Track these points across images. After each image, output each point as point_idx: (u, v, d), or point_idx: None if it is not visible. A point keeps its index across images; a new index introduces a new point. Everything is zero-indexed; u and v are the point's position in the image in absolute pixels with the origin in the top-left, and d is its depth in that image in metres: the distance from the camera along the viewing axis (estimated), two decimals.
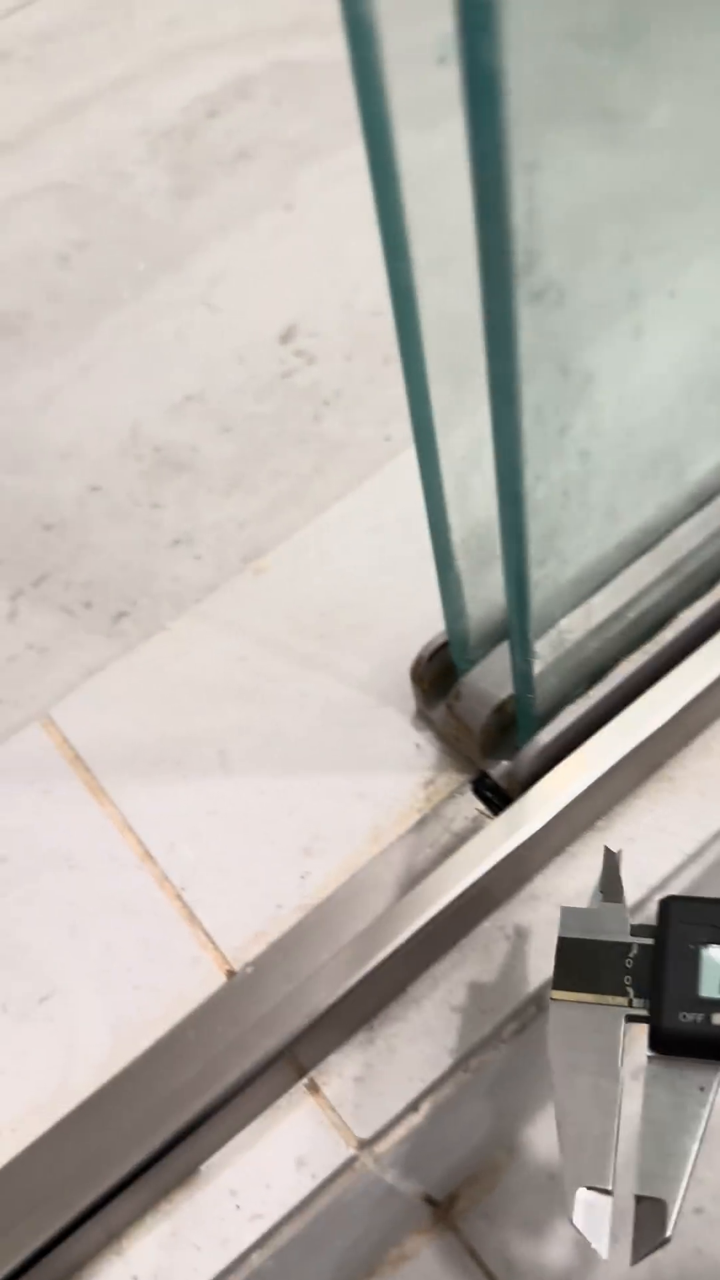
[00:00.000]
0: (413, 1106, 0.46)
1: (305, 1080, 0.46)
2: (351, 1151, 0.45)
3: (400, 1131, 0.46)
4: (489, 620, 0.47)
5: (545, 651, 0.45)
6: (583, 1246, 0.70)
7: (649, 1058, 0.36)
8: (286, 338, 0.79)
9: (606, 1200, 0.34)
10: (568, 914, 0.39)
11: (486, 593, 0.46)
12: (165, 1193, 0.45)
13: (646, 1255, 0.33)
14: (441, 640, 0.49)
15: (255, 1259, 0.45)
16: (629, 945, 0.38)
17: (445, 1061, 0.46)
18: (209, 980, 0.48)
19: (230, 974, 0.48)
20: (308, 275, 0.82)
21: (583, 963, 0.38)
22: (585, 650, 0.46)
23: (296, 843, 0.51)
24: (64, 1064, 0.48)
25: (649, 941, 0.37)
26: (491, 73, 0.22)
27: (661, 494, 0.43)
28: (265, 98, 0.93)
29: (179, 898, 0.51)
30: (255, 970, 0.48)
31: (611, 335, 0.32)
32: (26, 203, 0.89)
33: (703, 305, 0.34)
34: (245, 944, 0.49)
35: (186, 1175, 0.45)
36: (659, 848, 0.49)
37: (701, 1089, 0.34)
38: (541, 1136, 0.73)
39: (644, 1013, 0.36)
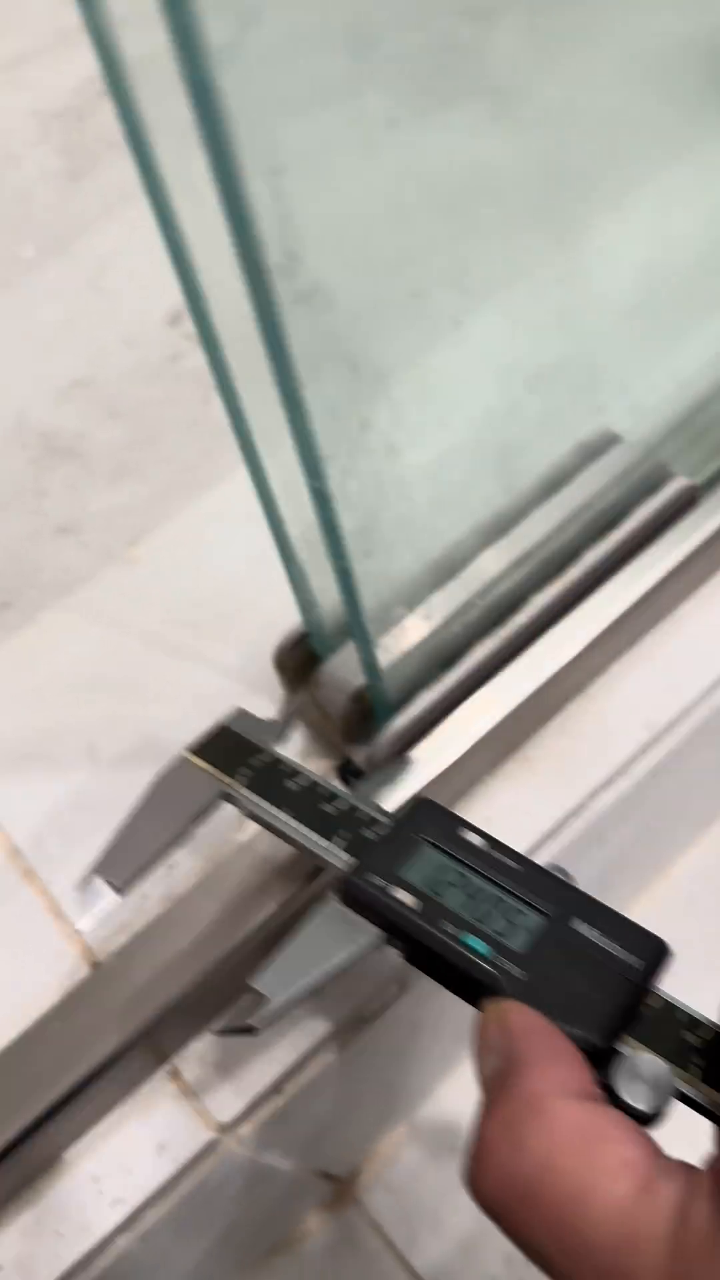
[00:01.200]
0: (275, 1089, 0.47)
1: (167, 1067, 0.47)
2: (211, 1135, 0.46)
3: (264, 1113, 0.47)
4: (342, 610, 0.47)
5: (392, 641, 0.45)
6: (483, 1216, 0.72)
7: (331, 896, 0.38)
8: (175, 321, 0.79)
9: (114, 898, 0.41)
10: (242, 714, 0.46)
11: (333, 583, 0.46)
12: (28, 1181, 0.45)
13: (230, 1035, 0.37)
14: (303, 629, 0.50)
15: (121, 1242, 0.45)
16: (265, 753, 0.43)
17: (305, 1043, 0.47)
18: (74, 972, 0.49)
19: (95, 965, 0.49)
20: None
21: (225, 750, 0.44)
22: (435, 638, 0.46)
23: None
24: None
25: (280, 759, 0.43)
26: (205, 88, 0.22)
27: (495, 485, 0.43)
28: (161, 77, 0.92)
29: (45, 892, 0.51)
30: (119, 960, 0.48)
31: (401, 332, 0.32)
32: None
33: (499, 297, 0.35)
34: (110, 935, 0.49)
35: (49, 1163, 0.45)
36: (516, 827, 0.49)
37: (354, 940, 0.37)
38: (441, 1111, 0.74)
39: (240, 796, 0.42)
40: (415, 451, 0.36)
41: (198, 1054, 0.47)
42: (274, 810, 0.41)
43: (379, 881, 0.37)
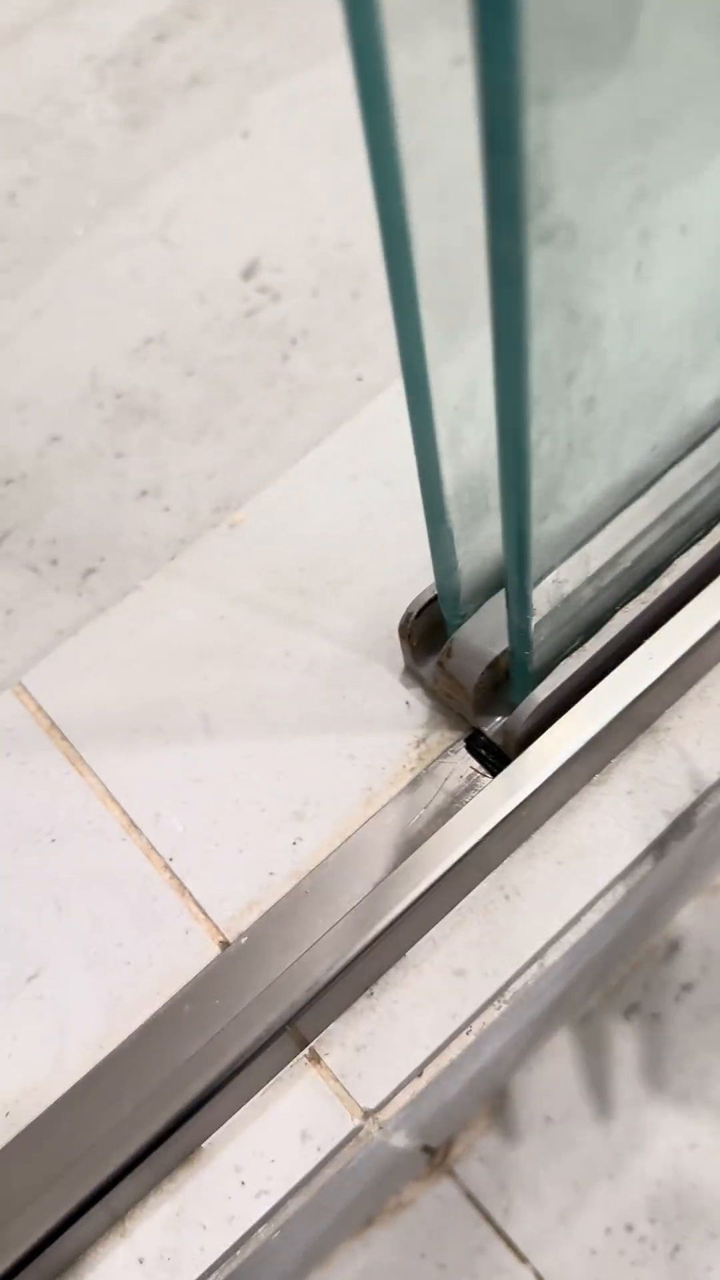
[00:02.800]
0: (416, 1072, 0.45)
1: (306, 1051, 0.45)
2: (356, 1122, 0.44)
3: (404, 1098, 0.45)
4: (481, 574, 0.45)
5: (540, 605, 0.43)
6: (579, 1186, 0.71)
7: None
8: (249, 274, 0.76)
9: None
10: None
11: (479, 546, 0.44)
12: (168, 1172, 0.44)
13: None
14: (430, 595, 0.48)
15: (262, 1233, 0.44)
16: None
17: (448, 1026, 0.45)
18: (202, 952, 0.47)
19: (224, 945, 0.47)
20: (268, 207, 0.78)
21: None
22: (580, 602, 0.44)
23: (287, 807, 0.49)
24: (57, 1044, 0.46)
25: None
26: None
27: (665, 435, 0.41)
28: (217, 18, 0.88)
29: (167, 868, 0.49)
30: (249, 940, 0.46)
31: (621, 275, 0.30)
32: None
33: (713, 239, 0.32)
34: (238, 914, 0.48)
35: (189, 1153, 0.44)
36: (657, 799, 0.48)
37: None
38: (535, 1081, 0.73)
39: None
40: (608, 405, 0.33)
41: (338, 1037, 0.45)
42: None
43: None
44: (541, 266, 0.25)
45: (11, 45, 0.90)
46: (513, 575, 0.38)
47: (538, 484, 0.33)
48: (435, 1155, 0.71)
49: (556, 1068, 0.72)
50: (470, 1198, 0.71)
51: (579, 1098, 0.71)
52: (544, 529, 0.37)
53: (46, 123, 0.85)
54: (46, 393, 0.72)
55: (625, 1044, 0.72)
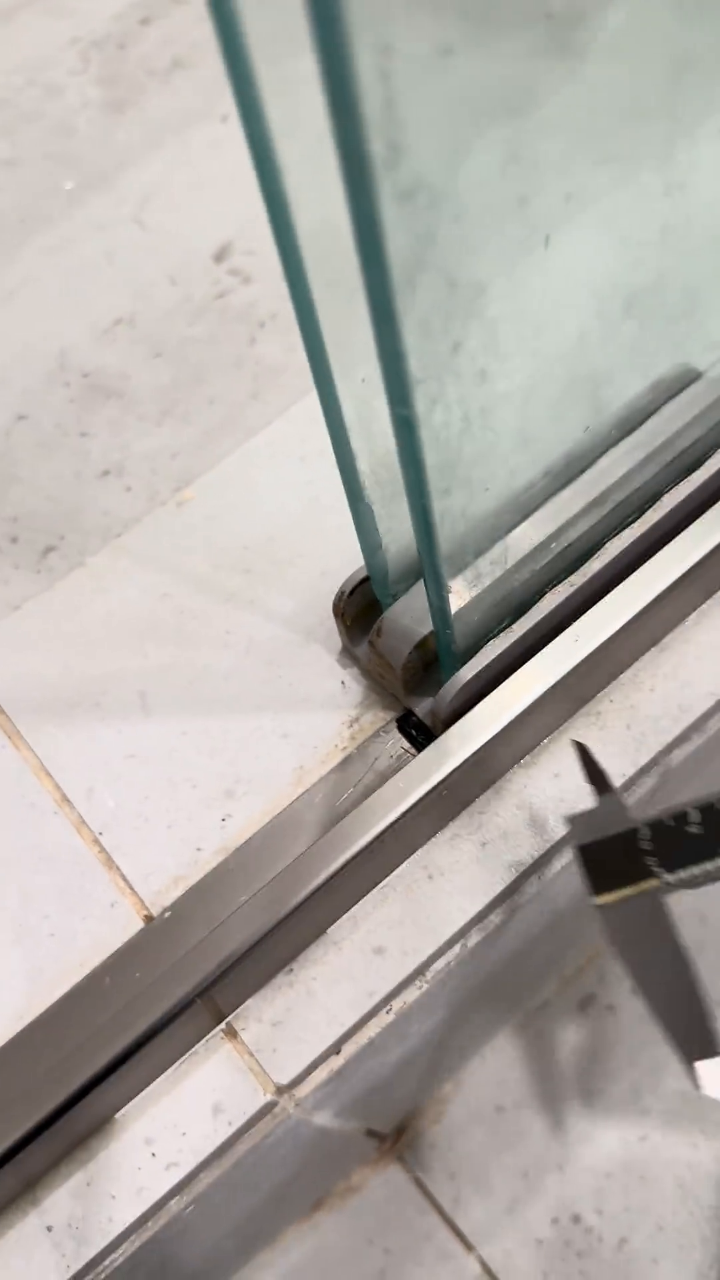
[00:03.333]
0: (334, 1049, 0.45)
1: (223, 1025, 0.45)
2: (269, 1097, 0.44)
3: (321, 1075, 0.45)
4: (408, 554, 0.45)
5: (463, 586, 0.43)
6: (529, 1176, 0.71)
7: None
8: (221, 256, 0.76)
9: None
10: (576, 820, 0.41)
11: (404, 526, 0.43)
12: (80, 1141, 0.44)
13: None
14: (363, 575, 0.48)
15: (174, 1205, 0.44)
16: (637, 829, 0.38)
17: (366, 1004, 0.45)
18: (127, 926, 0.47)
19: (148, 919, 0.47)
20: (244, 191, 0.77)
21: (606, 860, 0.39)
22: (507, 584, 0.44)
23: (219, 785, 0.49)
24: None
25: (658, 816, 0.39)
26: None
27: (581, 420, 0.40)
28: (201, 3, 0.88)
29: (97, 843, 0.49)
30: (173, 915, 0.46)
31: (503, 244, 0.30)
32: None
33: (610, 211, 0.32)
34: (164, 889, 0.48)
35: (101, 1124, 0.44)
36: (584, 784, 0.47)
37: None
38: (485, 1067, 0.72)
39: (680, 880, 0.38)
40: (504, 380, 0.33)
41: (254, 1012, 0.45)
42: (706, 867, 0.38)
43: None
44: (402, 226, 0.25)
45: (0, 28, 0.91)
46: (424, 552, 0.38)
47: (435, 456, 0.33)
48: (384, 1141, 0.70)
49: (509, 1057, 0.72)
50: (419, 1184, 0.71)
51: (530, 1088, 0.71)
52: (452, 505, 0.37)
53: (29, 105, 0.86)
54: (15, 372, 0.72)
55: (579, 1035, 0.71)
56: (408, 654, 0.46)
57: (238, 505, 0.58)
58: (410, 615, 0.46)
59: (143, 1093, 0.44)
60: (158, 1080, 0.44)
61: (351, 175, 0.23)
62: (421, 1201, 0.71)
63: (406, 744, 0.48)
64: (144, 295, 0.74)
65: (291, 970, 0.46)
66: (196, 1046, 0.45)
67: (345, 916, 0.46)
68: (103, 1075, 0.42)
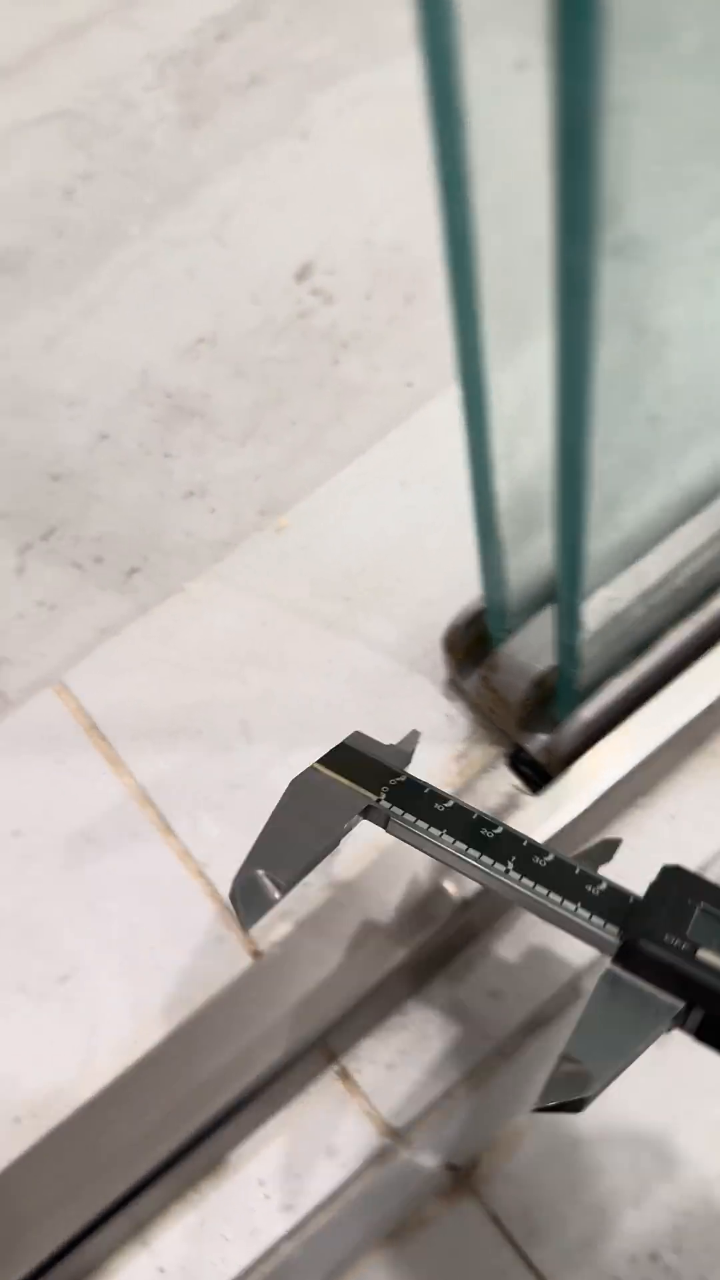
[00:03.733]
0: (446, 1094, 0.44)
1: (336, 1067, 0.44)
2: (384, 1140, 0.44)
3: (434, 1119, 0.44)
4: (530, 588, 0.45)
5: (589, 622, 0.42)
6: (606, 1212, 0.70)
7: (609, 964, 0.34)
8: (302, 275, 0.75)
9: (274, 894, 0.36)
10: (359, 735, 0.42)
11: (529, 560, 0.43)
12: (192, 1182, 0.43)
13: (553, 1110, 0.33)
14: (478, 608, 0.47)
15: (285, 1248, 0.43)
16: (398, 774, 0.40)
17: (482, 1048, 0.44)
18: (234, 961, 0.47)
19: (256, 955, 0.47)
20: (324, 208, 0.78)
21: (355, 765, 0.40)
22: (630, 620, 0.43)
23: None
24: (86, 1047, 0.46)
25: (414, 780, 0.39)
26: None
27: (714, 454, 0.40)
28: (278, 18, 0.88)
29: (201, 874, 0.49)
30: (282, 951, 0.46)
31: (688, 290, 0.29)
32: (29, 131, 0.85)
33: None
34: (271, 924, 0.47)
35: (214, 1164, 0.43)
36: (703, 824, 0.47)
37: (656, 1014, 0.33)
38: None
39: (390, 813, 0.38)
40: (671, 423, 0.33)
41: (368, 1053, 0.45)
42: (419, 824, 0.38)
43: (677, 943, 0.33)
44: (610, 280, 0.24)
45: (74, 41, 0.91)
46: (564, 592, 0.37)
47: (595, 500, 0.32)
48: (460, 1174, 0.70)
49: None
50: (494, 1219, 0.70)
51: (608, 1122, 0.70)
52: (598, 545, 0.36)
53: (106, 119, 0.85)
54: (96, 390, 0.72)
55: (658, 1069, 0.71)
56: (525, 690, 0.45)
57: (335, 531, 0.57)
58: (528, 650, 0.45)
59: (255, 1133, 0.44)
60: (271, 1121, 0.44)
61: (571, 234, 0.23)
62: (496, 1236, 0.70)
63: (518, 781, 0.47)
64: (225, 314, 0.74)
65: (405, 1012, 0.45)
66: (309, 1088, 0.44)
67: (459, 958, 0.45)
68: (220, 1120, 0.41)
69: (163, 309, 0.75)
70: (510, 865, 0.36)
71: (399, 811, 0.38)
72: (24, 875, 0.50)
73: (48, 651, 0.62)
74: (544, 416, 0.31)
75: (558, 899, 0.35)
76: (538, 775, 0.47)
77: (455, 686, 0.50)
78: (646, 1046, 0.33)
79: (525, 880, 0.36)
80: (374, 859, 0.47)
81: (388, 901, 0.46)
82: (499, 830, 0.37)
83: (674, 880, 0.36)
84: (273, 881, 0.37)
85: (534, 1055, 0.46)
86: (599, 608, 0.42)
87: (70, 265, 0.78)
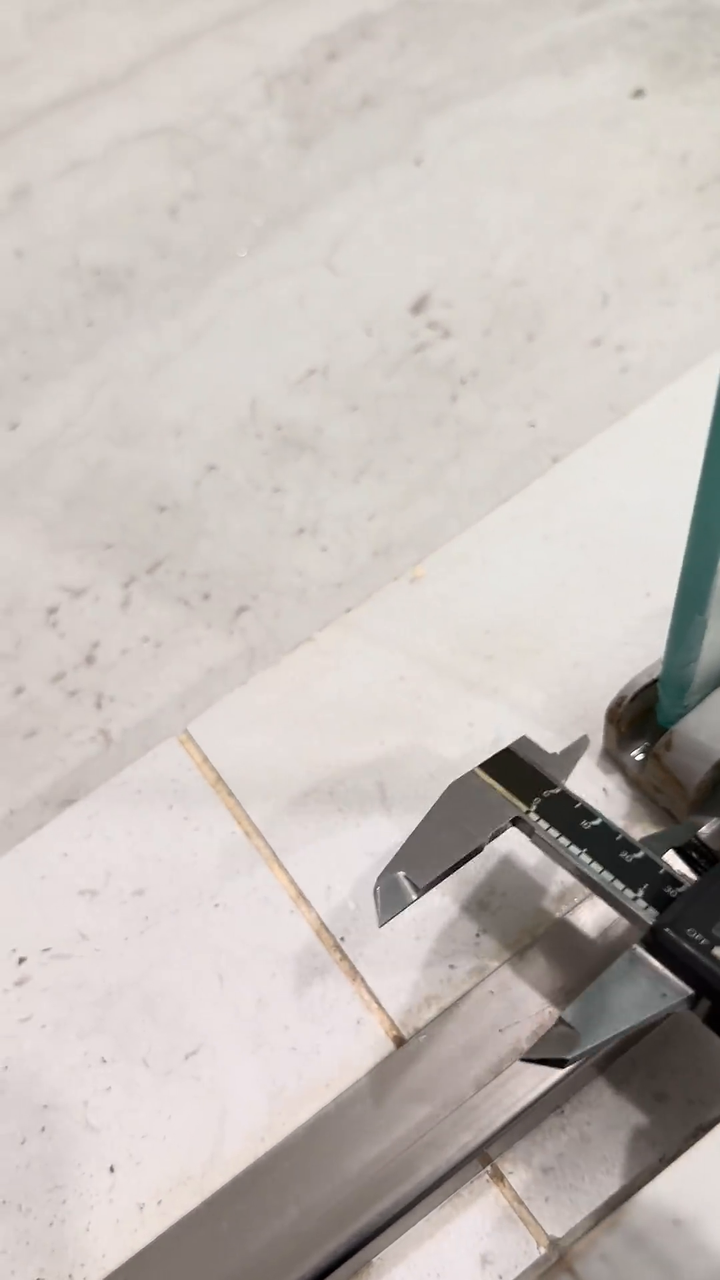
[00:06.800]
0: (610, 1204, 0.41)
1: (489, 1168, 0.42)
2: (542, 1251, 0.41)
3: (597, 1232, 0.42)
4: (715, 664, 0.42)
5: None
6: None
7: (636, 947, 0.37)
8: (418, 308, 0.73)
9: (410, 894, 0.39)
10: (527, 741, 0.44)
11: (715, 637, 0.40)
12: None
13: (538, 1062, 0.36)
14: (648, 679, 0.44)
15: None
16: (555, 785, 0.42)
17: (648, 1156, 0.41)
18: (375, 1046, 0.44)
19: (399, 1041, 0.44)
20: (440, 238, 0.75)
21: (514, 772, 0.42)
22: None
23: (471, 895, 0.46)
24: (215, 1130, 0.43)
25: (568, 794, 0.41)
26: None
27: None
28: (391, 39, 0.86)
29: (338, 948, 0.46)
30: (428, 1039, 0.43)
31: None
32: (133, 147, 0.83)
33: None
34: (415, 1008, 0.44)
35: (358, 1268, 0.41)
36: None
37: (663, 995, 0.36)
38: (664, 1177, 0.68)
39: (536, 826, 0.41)
40: None
41: (523, 1154, 0.42)
42: (562, 840, 0.40)
43: (697, 937, 0.36)
44: None
45: (178, 55, 0.89)
46: None
47: None
48: (556, 1246, 0.67)
49: (688, 1167, 0.68)
50: None
51: (712, 1202, 0.67)
52: None
53: (211, 137, 0.83)
54: (204, 420, 0.69)
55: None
56: (705, 773, 0.42)
57: (475, 584, 0.54)
58: (708, 729, 0.43)
59: (402, 1236, 0.41)
60: (419, 1224, 0.41)
61: None
62: None
63: (685, 867, 0.45)
64: (337, 344, 0.72)
65: (563, 1113, 0.42)
66: (461, 1190, 0.41)
67: (624, 1057, 0.42)
68: (372, 1233, 0.38)
69: (272, 337, 0.73)
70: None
71: (544, 825, 0.40)
72: (147, 937, 0.47)
73: (153, 691, 0.59)
74: None
75: (609, 876, 0.39)
76: (708, 862, 0.44)
77: (612, 759, 0.48)
78: (644, 1021, 0.35)
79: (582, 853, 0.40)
80: (524, 943, 0.45)
81: (540, 991, 0.43)
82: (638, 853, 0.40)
83: None
84: (410, 883, 0.39)
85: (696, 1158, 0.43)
86: None
87: (175, 287, 0.76)
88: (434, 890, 0.46)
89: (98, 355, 0.73)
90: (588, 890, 0.45)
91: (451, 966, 0.45)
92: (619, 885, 0.39)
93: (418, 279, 0.74)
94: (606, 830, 0.40)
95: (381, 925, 0.38)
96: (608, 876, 0.39)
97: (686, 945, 0.36)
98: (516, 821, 0.41)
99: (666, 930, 0.36)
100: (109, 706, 0.59)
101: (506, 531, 0.56)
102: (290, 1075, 0.44)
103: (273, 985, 0.45)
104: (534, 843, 0.41)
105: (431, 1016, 0.44)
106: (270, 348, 0.72)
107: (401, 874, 0.39)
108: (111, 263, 0.78)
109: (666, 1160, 0.42)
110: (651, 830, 0.46)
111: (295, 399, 0.70)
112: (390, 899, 0.39)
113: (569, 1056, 0.35)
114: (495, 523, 0.56)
